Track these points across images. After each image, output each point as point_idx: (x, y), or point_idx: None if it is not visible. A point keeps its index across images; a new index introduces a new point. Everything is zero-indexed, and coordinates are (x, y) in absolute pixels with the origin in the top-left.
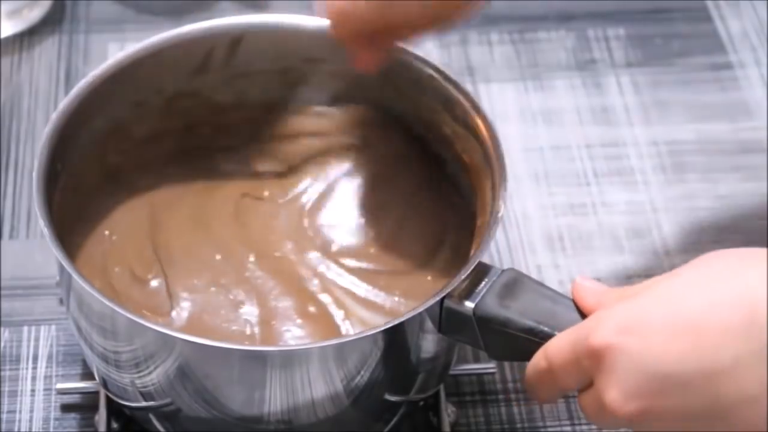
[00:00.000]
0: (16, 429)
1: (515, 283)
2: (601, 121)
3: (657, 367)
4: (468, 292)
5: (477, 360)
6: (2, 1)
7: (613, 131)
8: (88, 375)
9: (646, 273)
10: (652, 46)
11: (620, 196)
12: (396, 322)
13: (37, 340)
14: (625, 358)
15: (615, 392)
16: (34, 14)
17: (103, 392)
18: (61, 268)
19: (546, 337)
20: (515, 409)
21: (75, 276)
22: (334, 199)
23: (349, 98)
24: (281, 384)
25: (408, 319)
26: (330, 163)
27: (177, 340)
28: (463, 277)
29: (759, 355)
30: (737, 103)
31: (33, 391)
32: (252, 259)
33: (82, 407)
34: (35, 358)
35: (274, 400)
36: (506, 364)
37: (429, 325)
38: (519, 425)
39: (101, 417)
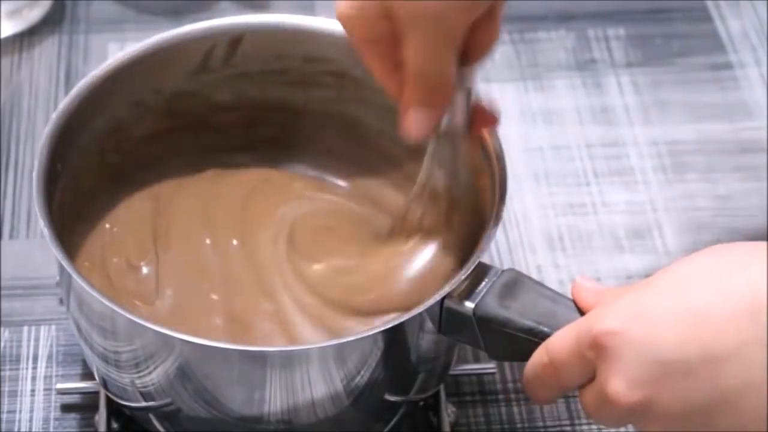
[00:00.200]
0: (16, 429)
1: (515, 283)
2: (601, 121)
3: (660, 353)
4: (468, 293)
5: (477, 360)
6: (2, 1)
7: (613, 131)
8: (88, 375)
9: (646, 273)
10: (652, 46)
11: (620, 196)
12: (396, 322)
13: (37, 340)
14: (629, 345)
15: (618, 381)
16: (34, 14)
17: (103, 392)
18: (61, 268)
19: (546, 337)
20: (515, 409)
21: (75, 276)
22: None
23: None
24: (281, 384)
25: (408, 320)
26: None
27: (177, 340)
28: (463, 277)
29: (763, 342)
30: (737, 103)
31: (33, 391)
32: (236, 250)
33: (82, 407)
34: (35, 358)
35: (274, 400)
36: (506, 364)
37: (429, 325)
38: (519, 425)
39: (101, 417)
